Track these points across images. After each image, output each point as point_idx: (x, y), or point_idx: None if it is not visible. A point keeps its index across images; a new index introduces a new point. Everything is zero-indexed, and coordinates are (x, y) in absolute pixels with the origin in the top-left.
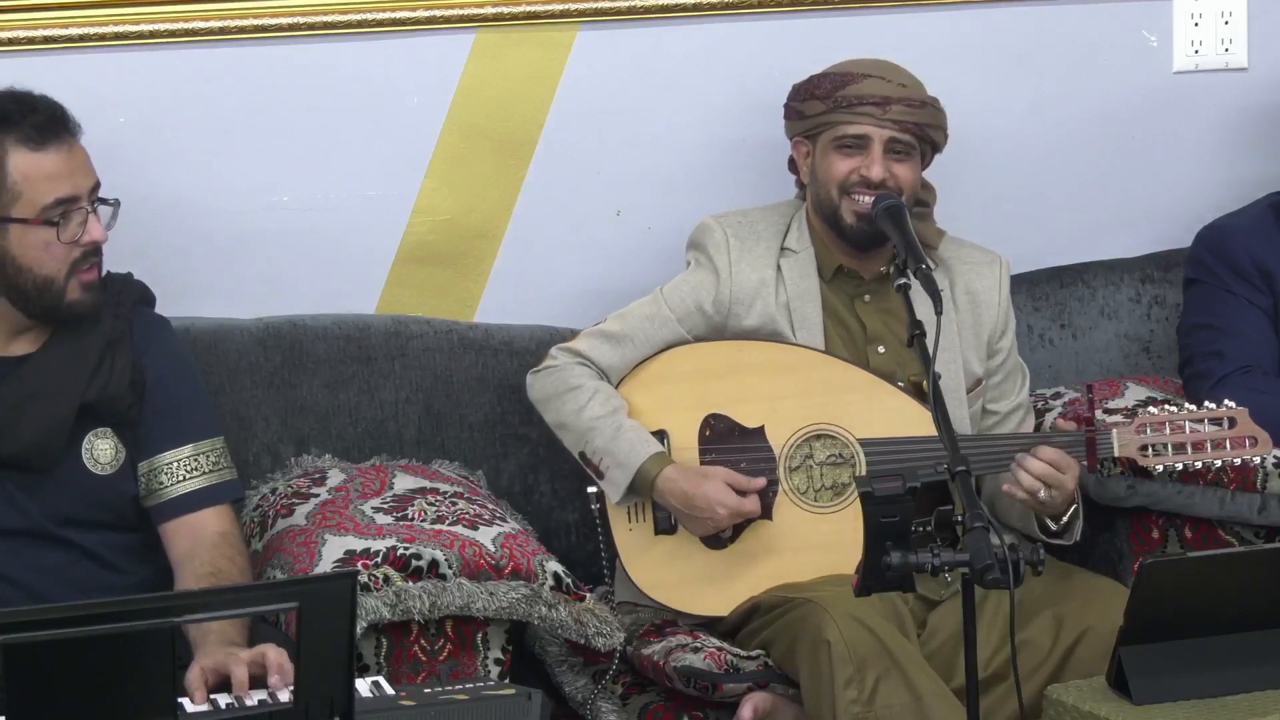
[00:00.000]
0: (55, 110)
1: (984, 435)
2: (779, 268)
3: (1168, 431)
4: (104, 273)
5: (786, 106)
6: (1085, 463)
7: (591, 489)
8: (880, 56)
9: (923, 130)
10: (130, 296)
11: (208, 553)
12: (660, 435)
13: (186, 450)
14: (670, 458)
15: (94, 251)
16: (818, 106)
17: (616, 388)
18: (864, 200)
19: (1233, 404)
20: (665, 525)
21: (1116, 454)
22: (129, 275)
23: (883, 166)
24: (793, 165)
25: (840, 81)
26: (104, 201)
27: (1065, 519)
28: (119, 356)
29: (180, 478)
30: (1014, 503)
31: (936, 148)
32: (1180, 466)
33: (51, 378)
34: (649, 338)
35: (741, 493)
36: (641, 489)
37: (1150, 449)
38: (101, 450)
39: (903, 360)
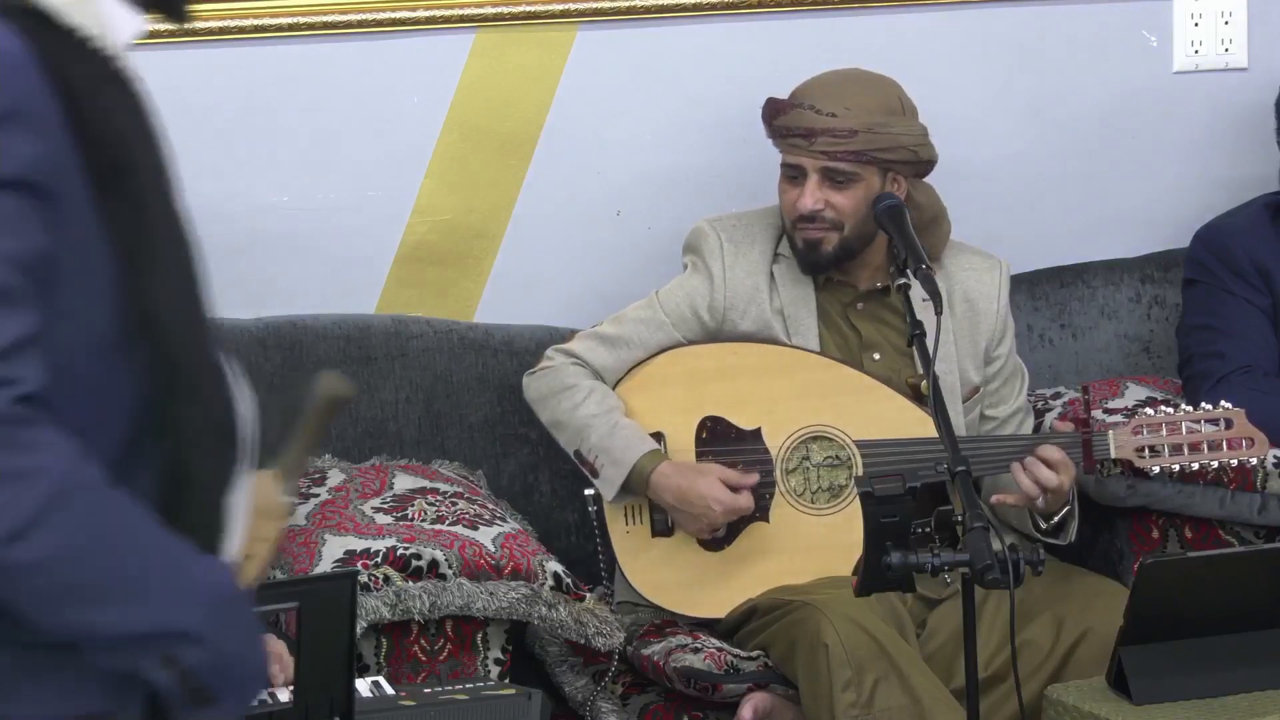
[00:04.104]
0: None
1: (982, 436)
2: (772, 274)
3: (1164, 433)
4: None
5: None
6: (1082, 464)
7: (589, 491)
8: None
9: (864, 156)
10: None
11: None
12: (657, 438)
13: None
14: (665, 455)
15: None
16: (766, 130)
17: (612, 390)
18: (808, 230)
19: (1230, 405)
20: (662, 527)
21: (1113, 455)
22: None
23: (814, 198)
24: None
25: (776, 109)
26: None
27: (1057, 519)
28: None
29: None
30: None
31: (897, 165)
32: (1177, 468)
33: None
34: (644, 341)
35: (735, 489)
36: (636, 486)
37: (1147, 450)
38: None
39: (898, 367)
